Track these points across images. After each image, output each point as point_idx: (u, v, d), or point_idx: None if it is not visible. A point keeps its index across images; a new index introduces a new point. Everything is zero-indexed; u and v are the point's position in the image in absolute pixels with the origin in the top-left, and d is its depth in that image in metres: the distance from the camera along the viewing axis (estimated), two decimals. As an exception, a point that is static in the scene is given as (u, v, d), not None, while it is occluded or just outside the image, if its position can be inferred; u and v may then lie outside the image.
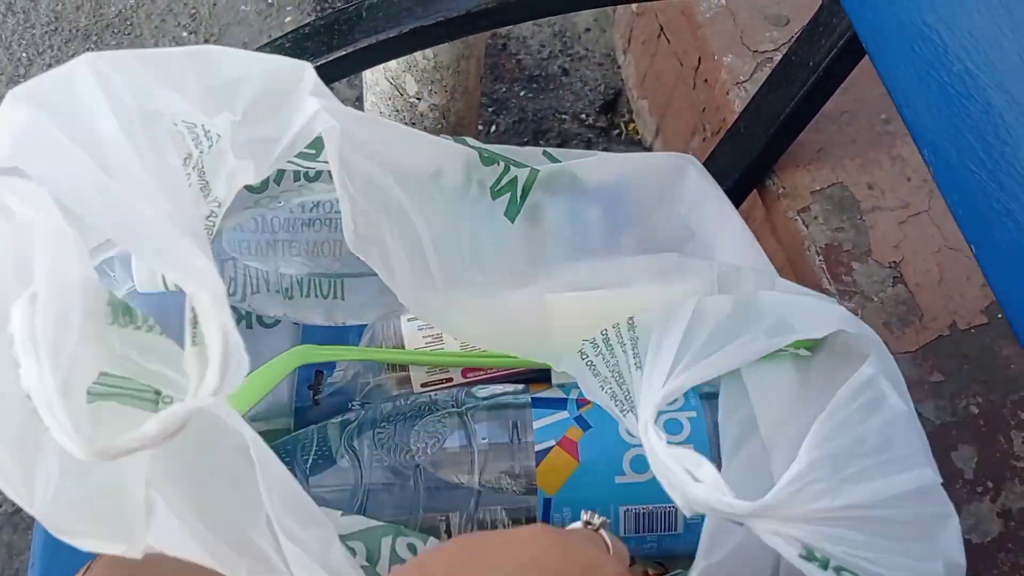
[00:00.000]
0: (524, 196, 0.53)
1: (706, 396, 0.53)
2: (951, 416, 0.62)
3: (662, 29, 1.36)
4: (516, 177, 0.52)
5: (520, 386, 0.55)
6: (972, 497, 0.59)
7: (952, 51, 0.51)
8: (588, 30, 1.71)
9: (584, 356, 0.49)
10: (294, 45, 0.65)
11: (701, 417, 0.52)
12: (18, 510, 1.13)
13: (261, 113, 0.42)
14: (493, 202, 0.52)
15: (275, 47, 0.66)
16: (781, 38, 0.84)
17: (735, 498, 0.37)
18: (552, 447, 0.51)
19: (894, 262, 0.69)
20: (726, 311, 0.47)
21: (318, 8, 1.60)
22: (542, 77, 1.65)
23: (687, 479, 0.38)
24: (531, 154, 0.58)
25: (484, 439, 0.52)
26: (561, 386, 0.55)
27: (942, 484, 0.44)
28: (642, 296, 0.50)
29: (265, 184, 0.52)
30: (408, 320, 0.55)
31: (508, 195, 0.52)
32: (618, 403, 0.46)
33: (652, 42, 1.44)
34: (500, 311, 0.50)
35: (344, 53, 0.63)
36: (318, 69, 0.63)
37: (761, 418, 0.50)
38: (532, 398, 0.54)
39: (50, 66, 1.48)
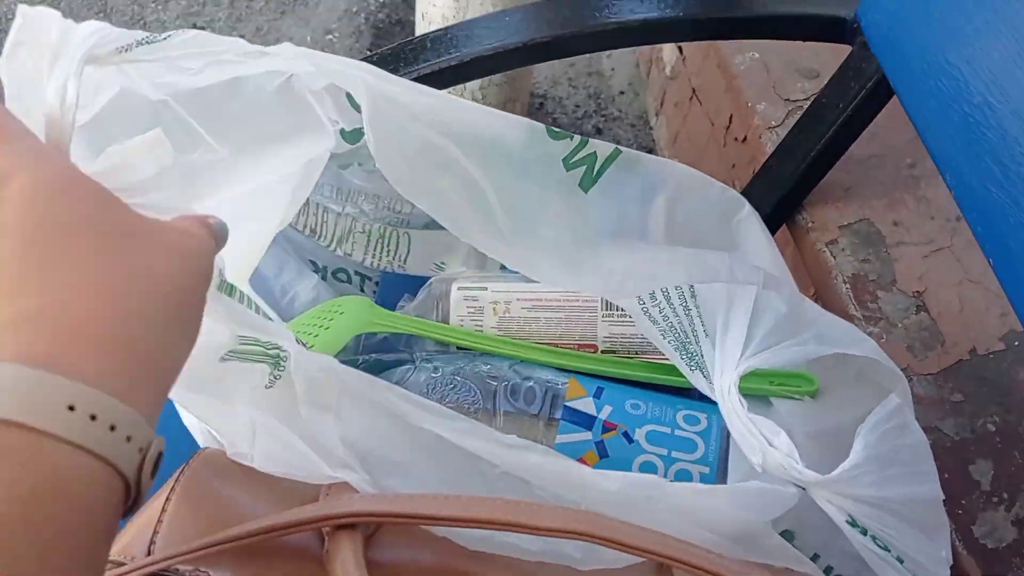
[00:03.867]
0: (601, 172, 0.58)
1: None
2: (969, 433, 0.65)
3: (695, 92, 1.43)
4: (595, 152, 0.57)
5: (562, 380, 0.60)
6: (988, 506, 0.62)
7: (973, 85, 0.56)
8: (622, 93, 1.78)
9: (641, 302, 0.53)
10: (364, 70, 0.71)
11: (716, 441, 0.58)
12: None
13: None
14: (567, 173, 0.57)
15: (346, 72, 0.72)
16: (811, 89, 0.90)
17: (805, 467, 0.45)
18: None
19: (917, 292, 0.73)
20: (782, 311, 0.53)
21: (373, 46, 1.68)
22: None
23: (765, 443, 0.45)
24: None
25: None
26: (597, 396, 0.60)
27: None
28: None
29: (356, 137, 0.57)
30: (457, 289, 0.63)
31: (584, 168, 0.57)
32: (685, 358, 0.53)
33: (684, 104, 1.50)
34: (568, 259, 0.57)
35: (409, 78, 0.69)
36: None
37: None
38: (564, 407, 0.59)
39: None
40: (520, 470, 0.43)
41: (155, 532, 0.40)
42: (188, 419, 0.58)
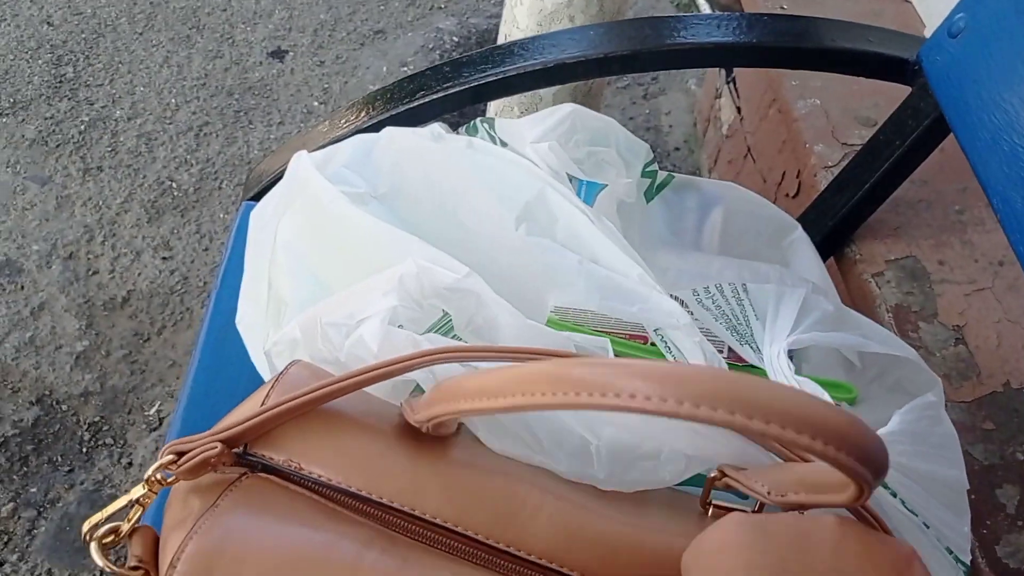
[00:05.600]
0: (661, 187, 0.63)
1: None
2: (998, 459, 0.67)
3: (749, 150, 1.48)
4: (656, 171, 0.65)
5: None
6: (1012, 529, 0.64)
7: (1023, 117, 0.60)
8: (678, 149, 1.84)
9: (696, 294, 0.57)
10: (453, 70, 0.77)
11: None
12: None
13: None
14: (639, 179, 0.62)
15: (436, 70, 0.78)
16: (868, 135, 0.94)
17: None
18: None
19: (957, 326, 0.76)
20: (829, 309, 0.57)
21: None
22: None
23: None
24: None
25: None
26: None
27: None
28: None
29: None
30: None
31: (649, 181, 0.63)
32: (736, 337, 0.57)
33: (738, 161, 1.55)
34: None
35: (495, 79, 0.75)
36: (470, 90, 0.75)
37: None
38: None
39: (195, 114, 1.65)
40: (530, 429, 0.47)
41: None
42: (256, 360, 0.63)
